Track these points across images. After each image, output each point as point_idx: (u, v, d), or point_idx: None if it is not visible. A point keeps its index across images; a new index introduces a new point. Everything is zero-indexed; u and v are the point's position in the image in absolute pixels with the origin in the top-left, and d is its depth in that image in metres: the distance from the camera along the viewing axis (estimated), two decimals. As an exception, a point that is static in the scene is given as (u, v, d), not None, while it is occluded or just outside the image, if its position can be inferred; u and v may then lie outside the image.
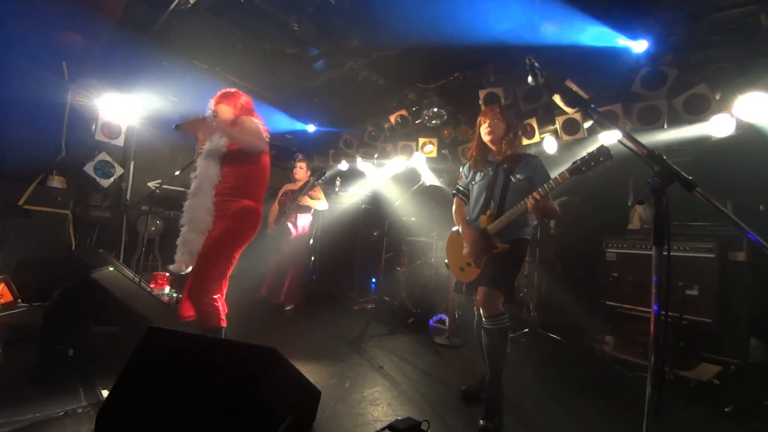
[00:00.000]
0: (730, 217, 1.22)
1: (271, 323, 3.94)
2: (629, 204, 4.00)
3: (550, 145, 4.22)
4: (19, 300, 3.41)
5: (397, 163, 5.68)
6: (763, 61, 2.97)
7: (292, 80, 4.98)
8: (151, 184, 4.80)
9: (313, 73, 4.79)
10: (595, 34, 3.21)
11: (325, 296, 5.19)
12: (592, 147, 1.90)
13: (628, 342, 3.34)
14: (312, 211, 4.63)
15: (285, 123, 5.88)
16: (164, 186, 4.63)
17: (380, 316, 4.34)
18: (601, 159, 1.82)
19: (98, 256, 3.87)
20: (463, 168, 2.62)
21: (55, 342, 2.32)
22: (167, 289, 4.14)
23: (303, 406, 1.81)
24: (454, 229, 2.55)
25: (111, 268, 2.90)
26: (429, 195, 5.13)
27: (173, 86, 4.68)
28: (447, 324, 3.87)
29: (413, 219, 5.15)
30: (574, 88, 3.63)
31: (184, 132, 2.36)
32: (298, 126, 6.03)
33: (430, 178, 5.54)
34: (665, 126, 3.46)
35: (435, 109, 4.89)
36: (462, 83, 4.52)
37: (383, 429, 1.80)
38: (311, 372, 2.54)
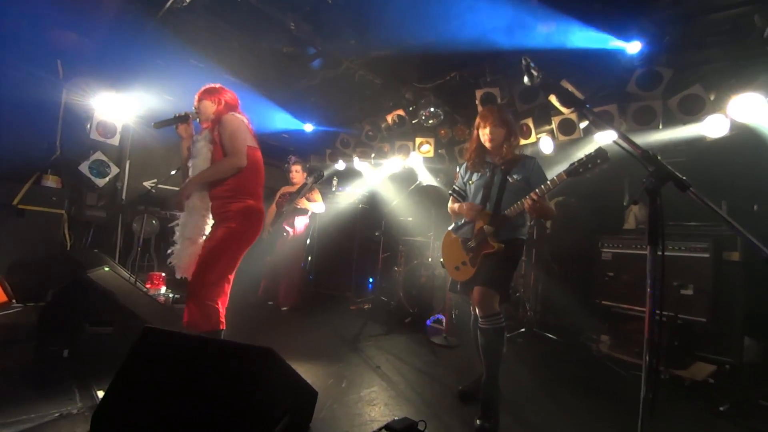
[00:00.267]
0: (724, 217, 1.23)
1: (267, 323, 3.94)
2: (624, 204, 4.03)
3: (546, 145, 4.23)
4: (14, 300, 3.38)
5: (394, 162, 5.69)
6: (757, 62, 2.99)
7: (289, 79, 4.97)
8: (147, 184, 4.78)
9: (310, 72, 4.78)
10: (590, 36, 3.23)
11: (322, 296, 5.19)
12: (588, 147, 1.92)
13: (623, 341, 3.36)
14: (309, 213, 4.63)
15: (282, 122, 5.86)
16: (160, 186, 4.62)
17: (377, 316, 4.34)
18: (598, 161, 1.83)
19: (93, 256, 3.85)
20: (459, 168, 2.63)
21: (50, 342, 2.30)
22: (163, 289, 4.12)
23: (300, 407, 1.80)
24: (450, 228, 2.56)
25: (106, 268, 2.88)
26: (426, 195, 5.13)
27: (169, 85, 4.66)
28: (444, 324, 3.88)
29: (410, 219, 5.15)
30: (570, 88, 3.65)
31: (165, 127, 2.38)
32: (295, 125, 6.02)
33: (427, 178, 5.55)
34: (660, 126, 3.48)
35: (432, 109, 4.89)
36: (459, 83, 4.53)
37: (380, 429, 1.80)
38: (308, 372, 2.53)
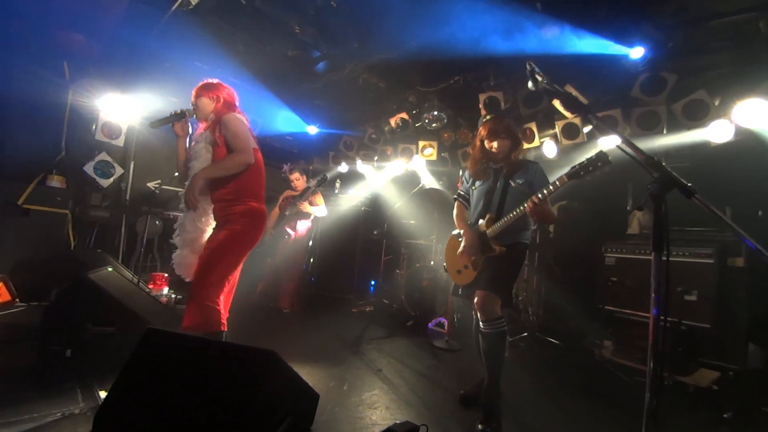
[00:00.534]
0: (729, 223, 1.23)
1: (269, 326, 3.94)
2: (628, 209, 4.01)
3: (549, 149, 4.23)
4: (17, 299, 3.40)
5: (397, 165, 5.69)
6: (761, 67, 2.99)
7: (293, 82, 4.99)
8: (151, 185, 4.80)
9: (314, 75, 4.80)
10: (594, 41, 3.23)
11: (324, 298, 5.19)
12: (591, 152, 1.92)
13: (626, 347, 3.34)
14: (312, 216, 4.63)
15: (286, 124, 5.89)
16: (164, 186, 4.64)
17: (379, 319, 4.33)
18: (599, 164, 1.84)
19: (97, 256, 3.87)
20: (463, 173, 2.63)
21: (53, 342, 2.31)
22: (166, 290, 4.13)
23: (301, 409, 1.80)
24: (455, 232, 2.56)
25: (110, 269, 2.89)
26: (428, 198, 5.13)
27: (174, 87, 4.69)
28: (446, 327, 3.87)
29: (413, 222, 5.15)
30: (574, 93, 3.65)
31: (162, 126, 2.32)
32: (299, 128, 6.04)
33: (429, 181, 5.56)
34: (664, 131, 3.47)
35: (435, 113, 4.90)
36: (462, 87, 4.53)
37: (381, 432, 1.79)
38: (309, 375, 2.53)
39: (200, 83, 2.35)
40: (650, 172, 1.30)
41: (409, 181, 5.65)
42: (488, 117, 2.42)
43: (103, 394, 1.97)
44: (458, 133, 5.26)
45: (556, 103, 3.92)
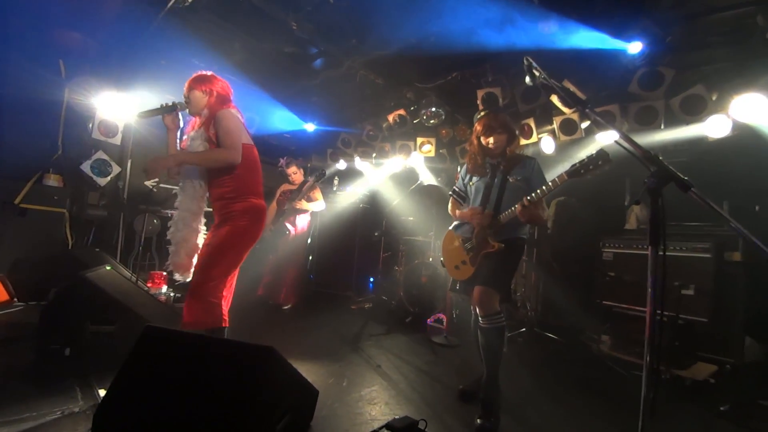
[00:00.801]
0: (726, 217, 1.23)
1: (268, 322, 3.95)
2: (626, 204, 4.02)
3: (547, 145, 4.23)
4: (15, 299, 3.39)
5: (396, 162, 5.69)
6: (759, 62, 2.99)
7: (291, 79, 4.97)
8: (149, 183, 4.78)
9: (312, 72, 4.78)
10: (592, 36, 3.22)
11: (323, 295, 5.19)
12: (589, 147, 1.92)
13: (624, 341, 3.35)
14: (310, 211, 4.63)
15: (283, 122, 5.87)
16: (161, 185, 4.62)
17: (378, 316, 4.34)
18: (599, 163, 1.83)
19: (95, 255, 3.86)
20: (460, 169, 2.63)
21: (52, 341, 2.31)
22: (164, 288, 4.12)
23: (301, 405, 1.81)
24: (451, 227, 2.56)
25: (108, 267, 2.89)
26: (427, 194, 5.13)
27: (171, 85, 4.65)
28: (444, 323, 3.88)
29: (411, 218, 5.15)
30: (572, 88, 3.64)
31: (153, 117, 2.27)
32: (297, 125, 6.02)
33: (428, 178, 5.55)
34: (662, 126, 3.47)
35: (433, 109, 4.89)
36: (460, 83, 4.53)
37: (381, 428, 1.80)
38: (309, 371, 2.54)
39: (193, 75, 2.29)
40: (648, 167, 1.30)
41: (408, 178, 5.65)
42: (483, 113, 2.41)
43: (102, 393, 1.97)
44: (456, 129, 5.26)
45: (554, 99, 3.92)
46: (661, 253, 1.26)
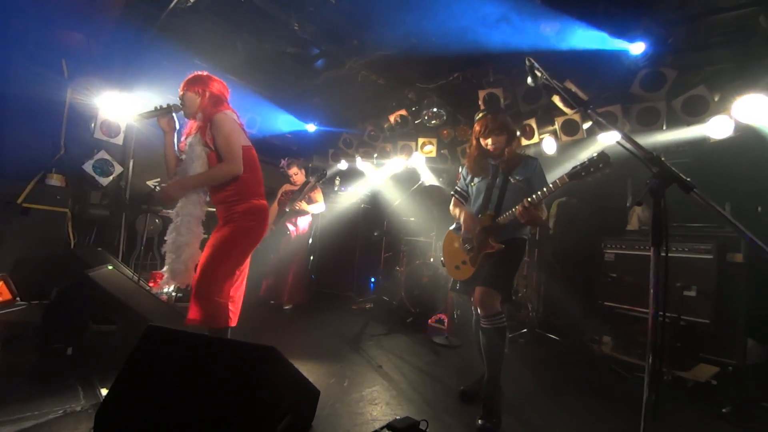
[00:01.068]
0: (728, 218, 1.23)
1: (270, 322, 3.95)
2: (628, 205, 4.01)
3: (549, 145, 4.22)
4: (18, 298, 3.41)
5: (397, 162, 5.68)
6: (762, 63, 2.98)
7: (292, 79, 4.98)
8: (151, 183, 4.79)
9: (313, 72, 4.79)
10: (594, 36, 3.22)
11: (325, 296, 5.20)
12: (591, 148, 1.91)
13: (626, 342, 3.35)
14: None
15: (285, 122, 5.87)
16: (163, 185, 4.62)
17: (379, 316, 4.34)
18: (600, 165, 1.82)
19: (97, 254, 3.87)
20: (462, 169, 2.63)
21: (54, 340, 2.32)
22: (166, 288, 4.13)
23: (302, 405, 1.81)
24: (452, 227, 2.56)
25: (110, 267, 2.89)
26: (428, 195, 5.13)
27: (173, 85, 4.65)
28: (446, 324, 3.88)
29: (412, 219, 5.15)
30: (574, 89, 3.64)
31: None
32: (298, 125, 6.03)
33: (429, 178, 5.55)
34: (664, 127, 3.47)
35: (434, 109, 4.89)
36: (462, 83, 4.53)
37: (382, 428, 1.80)
38: (310, 371, 2.54)
39: (188, 76, 2.26)
40: (650, 168, 1.30)
41: (409, 179, 5.64)
42: (481, 114, 2.40)
43: (104, 392, 1.97)
44: (458, 129, 5.26)
45: (556, 99, 3.92)
46: (663, 254, 1.25)
